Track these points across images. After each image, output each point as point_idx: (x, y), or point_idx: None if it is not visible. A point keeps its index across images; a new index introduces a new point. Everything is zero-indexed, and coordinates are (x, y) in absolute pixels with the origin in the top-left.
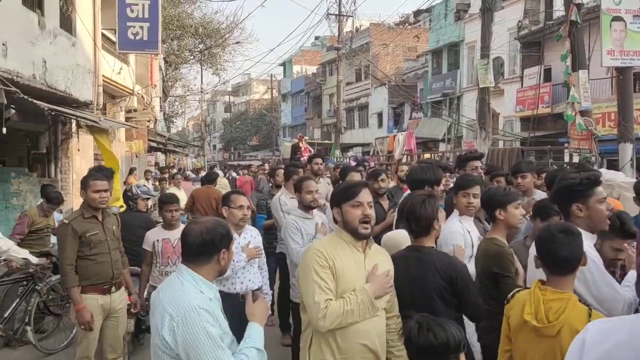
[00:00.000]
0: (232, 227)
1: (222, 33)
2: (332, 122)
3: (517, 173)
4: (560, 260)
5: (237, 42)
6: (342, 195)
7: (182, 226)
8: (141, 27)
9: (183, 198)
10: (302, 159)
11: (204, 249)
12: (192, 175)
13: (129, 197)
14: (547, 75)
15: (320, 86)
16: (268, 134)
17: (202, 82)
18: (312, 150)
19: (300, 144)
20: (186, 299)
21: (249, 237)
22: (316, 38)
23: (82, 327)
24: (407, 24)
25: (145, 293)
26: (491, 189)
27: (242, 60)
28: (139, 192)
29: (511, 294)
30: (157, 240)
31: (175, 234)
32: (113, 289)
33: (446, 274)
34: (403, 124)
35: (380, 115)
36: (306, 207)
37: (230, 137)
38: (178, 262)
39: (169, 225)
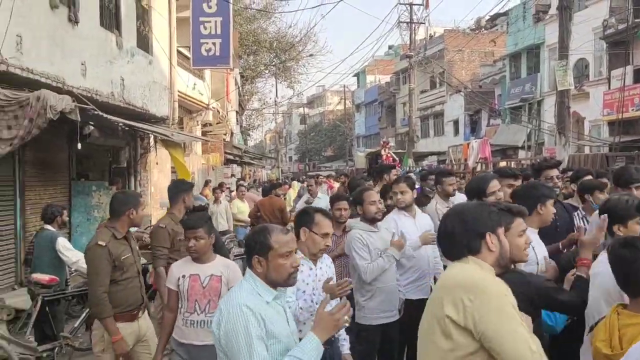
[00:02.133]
0: (307, 255)
1: (296, 46)
2: (406, 131)
3: (630, 184)
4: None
5: (310, 55)
6: (498, 218)
7: (217, 258)
8: (214, 44)
9: (246, 210)
10: None
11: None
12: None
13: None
14: (638, 75)
15: (394, 95)
16: (342, 144)
17: (276, 95)
18: (396, 159)
19: (383, 152)
20: (236, 297)
21: (325, 268)
22: (390, 47)
23: (121, 358)
24: (482, 29)
25: (167, 349)
26: (612, 199)
27: (315, 71)
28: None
29: (595, 321)
30: (183, 277)
31: (207, 269)
32: (140, 313)
33: None
34: (480, 131)
35: (456, 122)
36: (370, 220)
37: (305, 149)
38: (208, 307)
39: (195, 258)
